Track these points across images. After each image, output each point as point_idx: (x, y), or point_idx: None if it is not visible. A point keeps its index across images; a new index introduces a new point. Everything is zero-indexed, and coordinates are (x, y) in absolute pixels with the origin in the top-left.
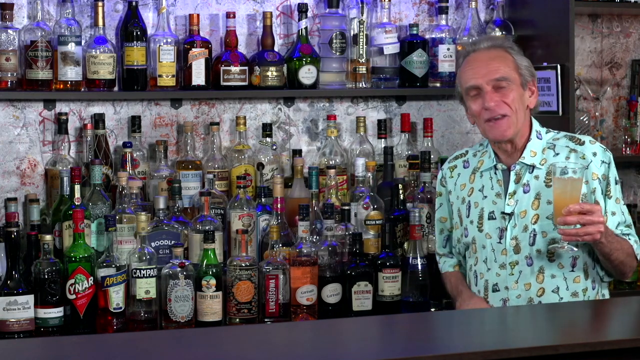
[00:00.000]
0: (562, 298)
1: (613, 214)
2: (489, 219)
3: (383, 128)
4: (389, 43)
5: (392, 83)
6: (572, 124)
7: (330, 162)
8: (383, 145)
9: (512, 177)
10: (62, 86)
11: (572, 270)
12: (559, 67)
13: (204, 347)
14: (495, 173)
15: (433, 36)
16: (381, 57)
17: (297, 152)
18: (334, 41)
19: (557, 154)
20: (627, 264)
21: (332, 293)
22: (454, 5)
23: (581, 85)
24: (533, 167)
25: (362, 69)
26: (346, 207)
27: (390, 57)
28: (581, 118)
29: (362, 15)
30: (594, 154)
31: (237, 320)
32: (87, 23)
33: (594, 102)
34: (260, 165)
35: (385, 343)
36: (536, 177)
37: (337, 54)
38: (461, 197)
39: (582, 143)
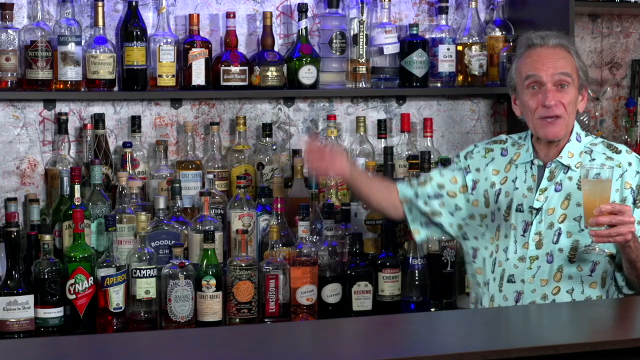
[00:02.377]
0: (574, 300)
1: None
2: (516, 210)
3: (383, 128)
4: (389, 43)
5: (392, 83)
6: None
7: None
8: (383, 145)
9: (547, 173)
10: (62, 86)
11: (590, 275)
12: None
13: (204, 347)
14: (531, 167)
15: (433, 36)
16: (381, 57)
17: (297, 152)
18: (334, 41)
19: (594, 159)
20: None
21: (332, 293)
22: (454, 5)
23: None
24: (568, 167)
25: (362, 69)
26: (346, 207)
27: (390, 57)
28: (581, 118)
29: (362, 15)
30: (630, 164)
31: (237, 320)
32: (87, 23)
33: (594, 102)
34: (260, 165)
35: (385, 343)
36: (570, 178)
37: (337, 54)
38: (491, 181)
39: (618, 152)
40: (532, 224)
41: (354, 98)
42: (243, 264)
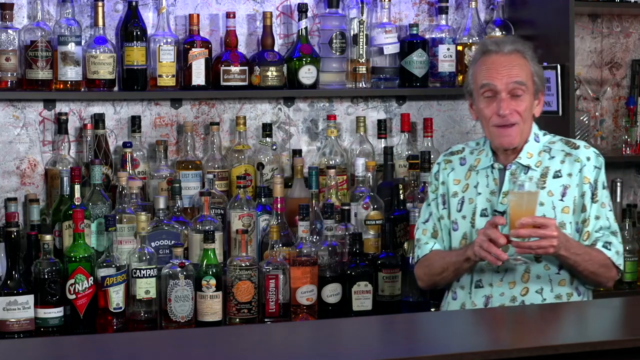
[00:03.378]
0: (545, 299)
1: (597, 217)
2: (481, 215)
3: (383, 128)
4: (389, 43)
5: (392, 83)
6: (572, 124)
7: (330, 162)
8: (383, 145)
9: (507, 176)
10: (62, 86)
11: (558, 273)
12: (559, 67)
13: (204, 347)
14: (492, 172)
15: (433, 36)
16: (381, 57)
17: (297, 152)
18: (334, 41)
19: (553, 157)
20: (601, 274)
21: (332, 293)
22: (454, 5)
23: (581, 85)
24: (528, 168)
25: (362, 69)
26: (346, 207)
27: (390, 57)
28: (581, 118)
29: (362, 15)
30: (588, 159)
31: (237, 320)
32: (87, 23)
33: (594, 102)
34: (260, 165)
35: (385, 343)
36: (530, 179)
37: (337, 54)
38: (452, 191)
39: (577, 147)
40: (497, 227)
41: (354, 98)
42: (243, 264)
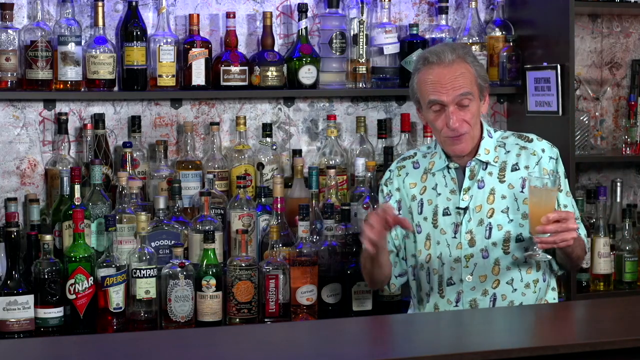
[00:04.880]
0: (515, 289)
1: (565, 206)
2: (443, 215)
3: (383, 128)
4: (389, 43)
5: (392, 83)
6: (572, 124)
7: (330, 162)
8: (383, 145)
9: (467, 173)
10: (62, 86)
11: (525, 262)
12: (559, 67)
13: (204, 347)
14: (449, 172)
15: (433, 36)
16: (381, 57)
17: (297, 152)
18: (334, 41)
19: (508, 151)
20: (581, 257)
21: (332, 293)
22: (454, 5)
23: (581, 85)
24: (487, 163)
25: (362, 69)
26: (346, 207)
27: (390, 57)
28: (581, 118)
29: (362, 15)
30: (543, 150)
31: (237, 320)
32: (87, 23)
33: (594, 102)
34: (260, 165)
35: (385, 343)
36: (490, 174)
37: (337, 54)
38: (411, 195)
39: (530, 140)
40: (461, 224)
41: (354, 98)
42: (243, 264)
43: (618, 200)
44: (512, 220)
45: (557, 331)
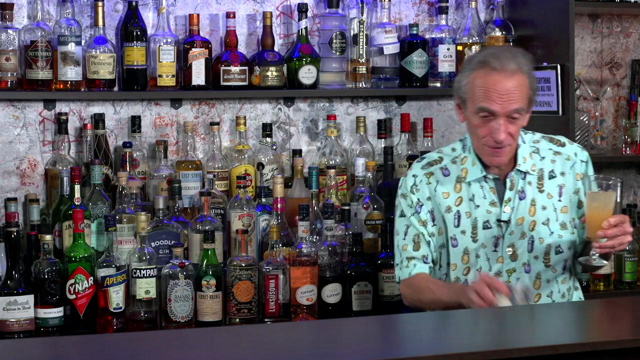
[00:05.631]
0: (553, 301)
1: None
2: (484, 228)
3: (383, 128)
4: (389, 43)
5: (392, 83)
6: (572, 124)
7: (330, 162)
8: (383, 145)
9: (508, 184)
10: (62, 86)
11: (563, 273)
12: (559, 67)
13: (204, 347)
14: (486, 182)
15: (433, 36)
16: (381, 57)
17: (297, 152)
18: (334, 41)
19: (543, 157)
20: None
21: (332, 293)
22: (454, 5)
23: (581, 85)
24: (526, 173)
25: (362, 69)
26: (346, 207)
27: (390, 57)
28: (581, 118)
29: (362, 15)
30: (575, 154)
31: (237, 320)
32: (87, 23)
33: (594, 102)
34: (260, 165)
35: (385, 343)
36: (529, 183)
37: (337, 54)
38: (445, 206)
39: (562, 144)
40: (503, 237)
41: (354, 98)
42: (243, 264)
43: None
44: (552, 232)
45: (557, 331)
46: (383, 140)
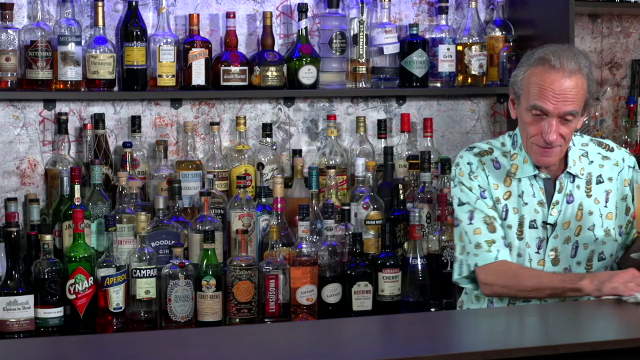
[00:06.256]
0: None
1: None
2: (530, 227)
3: (383, 128)
4: (389, 43)
5: (392, 83)
6: None
7: (330, 162)
8: (383, 145)
9: (557, 186)
10: (62, 86)
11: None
12: None
13: (204, 347)
14: (537, 181)
15: (433, 36)
16: (381, 57)
17: (297, 152)
18: (334, 41)
19: (592, 161)
20: None
21: (332, 293)
22: (454, 5)
23: None
24: (575, 176)
25: (362, 69)
26: (346, 207)
27: (390, 57)
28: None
29: (362, 15)
30: (623, 160)
31: (237, 320)
32: (87, 23)
33: (594, 102)
34: (260, 165)
35: (385, 343)
36: (578, 187)
37: (337, 54)
38: (495, 197)
39: (611, 149)
40: (547, 240)
41: (354, 98)
42: (243, 264)
43: None
44: (597, 238)
45: (557, 331)
46: (383, 140)
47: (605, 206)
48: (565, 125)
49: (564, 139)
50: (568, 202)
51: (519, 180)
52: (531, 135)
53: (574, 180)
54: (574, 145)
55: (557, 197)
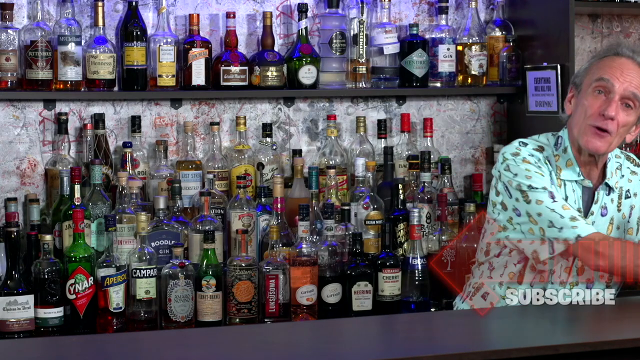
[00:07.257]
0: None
1: None
2: None
3: (383, 128)
4: (389, 43)
5: (392, 83)
6: None
7: (330, 162)
8: (383, 145)
9: (595, 197)
10: (62, 86)
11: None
12: (559, 67)
13: (204, 347)
14: (578, 186)
15: (433, 36)
16: (381, 57)
17: (297, 152)
18: (334, 41)
19: (623, 175)
20: None
21: (332, 293)
22: (454, 5)
23: None
24: (610, 189)
25: (362, 69)
26: (346, 207)
27: (390, 57)
28: None
29: (362, 15)
30: None
31: (237, 320)
32: (87, 23)
33: None
34: (260, 165)
35: (385, 343)
36: (612, 201)
37: (337, 54)
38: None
39: (638, 165)
40: None
41: (354, 98)
42: (243, 264)
43: None
44: None
45: (557, 331)
46: (383, 140)
47: (628, 221)
48: (623, 110)
49: (617, 127)
50: (602, 215)
51: (565, 183)
52: (589, 114)
53: (609, 193)
54: (611, 157)
55: (593, 207)
